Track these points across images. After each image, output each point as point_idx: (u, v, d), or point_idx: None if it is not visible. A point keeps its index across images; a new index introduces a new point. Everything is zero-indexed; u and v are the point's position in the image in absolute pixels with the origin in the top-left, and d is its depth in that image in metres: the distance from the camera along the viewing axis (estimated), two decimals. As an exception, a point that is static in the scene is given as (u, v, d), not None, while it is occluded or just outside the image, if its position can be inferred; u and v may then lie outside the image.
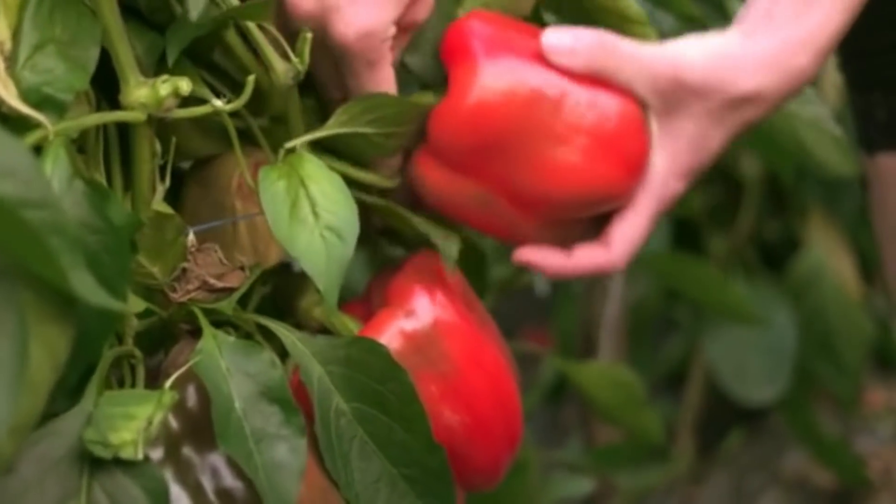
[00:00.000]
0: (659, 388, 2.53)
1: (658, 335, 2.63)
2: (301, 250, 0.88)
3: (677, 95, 0.98)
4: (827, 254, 2.35)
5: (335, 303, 0.88)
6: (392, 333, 0.95)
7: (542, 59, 0.97)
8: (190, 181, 0.98)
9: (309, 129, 0.95)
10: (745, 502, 2.42)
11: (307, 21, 0.92)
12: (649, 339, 2.58)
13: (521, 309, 2.70)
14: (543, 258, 1.02)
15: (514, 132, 0.96)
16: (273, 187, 0.89)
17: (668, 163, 1.00)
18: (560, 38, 0.98)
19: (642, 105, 0.99)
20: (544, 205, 0.99)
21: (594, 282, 2.19)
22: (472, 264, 1.10)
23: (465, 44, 0.97)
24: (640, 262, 1.99)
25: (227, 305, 0.92)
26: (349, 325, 0.96)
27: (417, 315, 0.96)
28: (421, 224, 1.00)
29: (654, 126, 1.00)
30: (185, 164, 0.99)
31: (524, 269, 1.78)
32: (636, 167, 0.99)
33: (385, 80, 0.96)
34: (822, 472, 2.44)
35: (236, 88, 0.91)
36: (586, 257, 1.02)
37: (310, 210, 0.89)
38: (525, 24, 1.01)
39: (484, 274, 1.18)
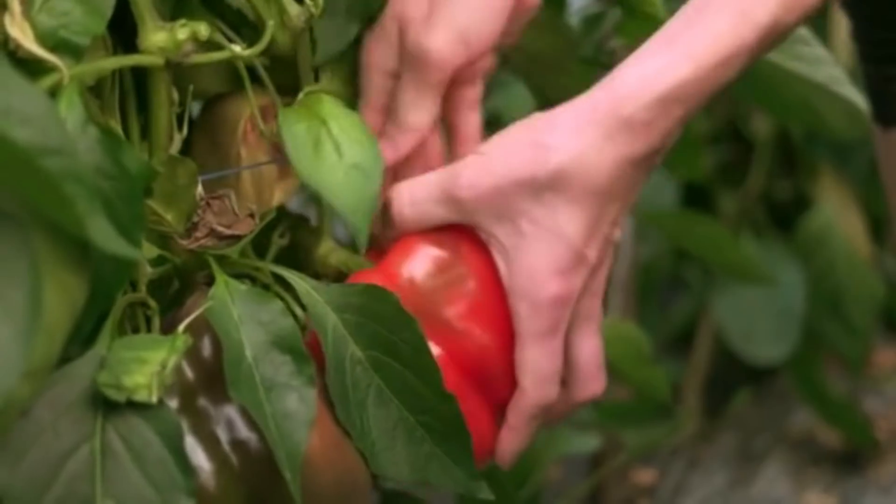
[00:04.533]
0: (667, 348, 2.54)
1: (667, 294, 2.64)
2: (329, 189, 0.88)
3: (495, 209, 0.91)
4: (837, 214, 2.35)
5: (366, 239, 0.88)
6: (420, 256, 0.94)
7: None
8: (198, 129, 0.97)
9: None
10: (751, 462, 2.42)
11: None
12: (658, 299, 2.58)
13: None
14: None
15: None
16: (294, 128, 0.89)
17: (527, 281, 0.91)
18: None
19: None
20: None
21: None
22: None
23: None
24: (649, 220, 1.99)
25: (236, 251, 0.92)
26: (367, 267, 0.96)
27: (441, 238, 0.94)
28: None
29: (498, 257, 0.93)
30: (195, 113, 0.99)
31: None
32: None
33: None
34: (829, 432, 2.44)
35: (240, 29, 0.91)
36: (512, 421, 0.96)
37: (333, 149, 0.89)
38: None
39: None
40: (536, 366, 0.93)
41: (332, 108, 0.91)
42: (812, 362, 2.36)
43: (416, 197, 0.93)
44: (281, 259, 0.97)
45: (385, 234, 0.95)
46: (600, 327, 0.96)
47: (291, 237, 0.99)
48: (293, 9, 0.90)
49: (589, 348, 0.96)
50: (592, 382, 0.96)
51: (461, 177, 0.92)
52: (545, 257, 0.91)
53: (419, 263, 0.94)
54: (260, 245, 0.96)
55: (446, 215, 0.93)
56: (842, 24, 2.20)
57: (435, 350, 0.91)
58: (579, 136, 0.89)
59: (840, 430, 2.40)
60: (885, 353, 2.66)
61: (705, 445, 2.47)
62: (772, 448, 2.46)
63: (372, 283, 0.92)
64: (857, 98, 1.40)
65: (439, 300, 0.93)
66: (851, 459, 2.42)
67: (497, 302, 0.94)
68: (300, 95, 0.92)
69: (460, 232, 0.94)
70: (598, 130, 0.89)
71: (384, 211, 0.94)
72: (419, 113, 0.96)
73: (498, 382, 0.95)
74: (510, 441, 0.96)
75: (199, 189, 0.91)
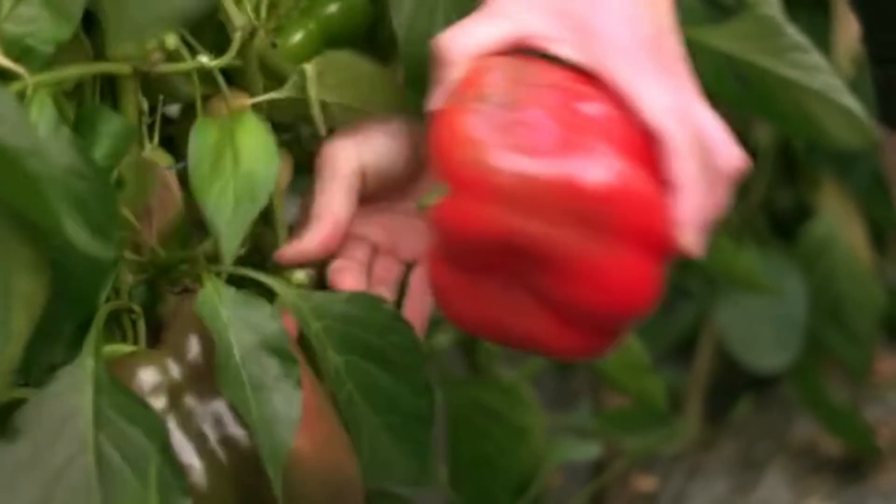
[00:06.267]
0: (669, 355, 2.54)
1: (669, 302, 2.63)
2: (210, 200, 0.88)
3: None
4: (838, 222, 2.35)
5: (231, 258, 0.89)
6: (491, 68, 0.89)
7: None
8: (184, 124, 0.97)
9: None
10: (752, 469, 2.42)
11: None
12: (660, 307, 2.58)
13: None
14: None
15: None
16: (203, 139, 0.90)
17: (615, 30, 0.88)
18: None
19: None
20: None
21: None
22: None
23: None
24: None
25: (199, 255, 0.93)
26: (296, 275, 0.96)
27: (502, 56, 0.90)
28: None
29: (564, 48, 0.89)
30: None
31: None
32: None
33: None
34: (830, 440, 2.44)
35: (200, 33, 0.92)
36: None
37: (231, 163, 0.90)
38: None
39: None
40: (662, 100, 0.88)
41: (247, 128, 0.91)
42: (813, 370, 2.36)
43: (461, 25, 0.91)
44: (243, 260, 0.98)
45: (444, 81, 0.90)
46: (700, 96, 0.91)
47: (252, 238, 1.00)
48: (238, 20, 0.91)
49: (706, 115, 0.90)
50: (729, 149, 0.90)
51: None
52: (607, 15, 0.89)
53: (495, 73, 0.89)
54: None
55: (496, 30, 0.90)
56: (843, 34, 2.20)
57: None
58: None
59: (841, 438, 2.40)
60: (886, 362, 2.66)
61: (706, 453, 2.47)
62: (773, 455, 2.46)
63: (444, 113, 0.88)
64: (856, 107, 1.40)
65: (535, 82, 0.88)
66: (853, 467, 2.42)
67: (588, 84, 0.88)
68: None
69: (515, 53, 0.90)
70: None
71: (434, 58, 0.91)
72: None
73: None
74: (687, 199, 0.88)
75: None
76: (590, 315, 0.88)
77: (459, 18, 0.92)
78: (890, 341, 2.65)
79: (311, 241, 0.95)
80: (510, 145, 0.86)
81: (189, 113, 0.98)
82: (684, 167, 0.88)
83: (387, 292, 0.98)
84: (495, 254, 0.87)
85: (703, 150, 0.89)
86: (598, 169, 0.85)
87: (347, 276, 0.96)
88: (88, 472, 0.79)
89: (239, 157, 0.90)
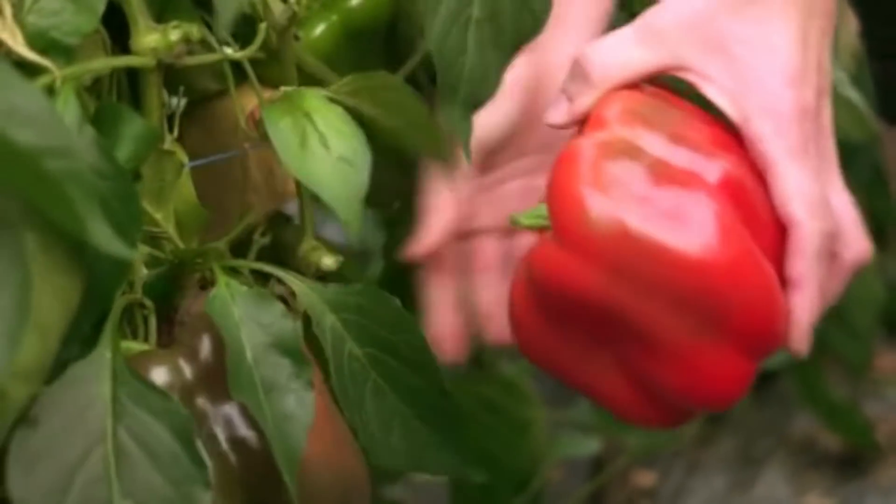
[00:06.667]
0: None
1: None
2: (318, 182, 0.87)
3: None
4: (839, 218, 2.34)
5: (358, 230, 0.87)
6: (632, 99, 0.86)
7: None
8: (189, 123, 0.97)
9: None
10: (752, 465, 2.42)
11: None
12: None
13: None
14: None
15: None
16: (279, 123, 0.89)
17: (763, 97, 0.82)
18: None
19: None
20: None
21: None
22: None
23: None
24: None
25: (216, 250, 0.92)
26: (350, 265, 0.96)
27: (645, 89, 0.86)
28: None
29: (715, 94, 0.84)
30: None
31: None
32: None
33: None
34: (830, 435, 2.44)
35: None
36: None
37: (319, 142, 0.88)
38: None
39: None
40: (801, 187, 0.82)
41: (315, 103, 0.90)
42: (813, 366, 2.36)
43: (610, 44, 0.86)
44: (263, 258, 0.97)
45: (577, 101, 0.87)
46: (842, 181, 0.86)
47: (273, 235, 1.00)
48: (277, 7, 0.90)
49: (841, 200, 0.86)
50: (858, 240, 0.87)
51: (660, 9, 0.85)
52: (771, 70, 0.83)
53: (630, 115, 0.84)
54: (241, 244, 0.96)
55: (648, 56, 0.85)
56: (845, 27, 2.20)
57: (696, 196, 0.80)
58: None
59: (841, 434, 2.40)
60: (886, 357, 2.66)
61: (706, 448, 2.47)
62: (772, 451, 2.46)
63: (571, 151, 0.83)
64: (858, 99, 1.40)
65: (669, 134, 0.83)
66: (852, 463, 2.42)
67: (726, 142, 0.84)
68: (281, 91, 0.92)
69: (660, 87, 0.86)
70: None
71: (574, 70, 0.87)
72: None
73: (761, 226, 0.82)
74: (803, 300, 0.83)
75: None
76: (673, 398, 0.85)
77: (492, 31, 0.90)
78: (889, 337, 2.65)
79: (429, 235, 0.95)
80: (628, 208, 0.81)
81: (195, 108, 0.97)
82: (809, 266, 0.83)
83: (494, 277, 0.96)
84: (587, 313, 0.84)
85: (831, 238, 0.84)
86: (716, 250, 0.80)
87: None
88: (106, 463, 0.79)
89: (325, 138, 0.89)
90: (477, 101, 0.91)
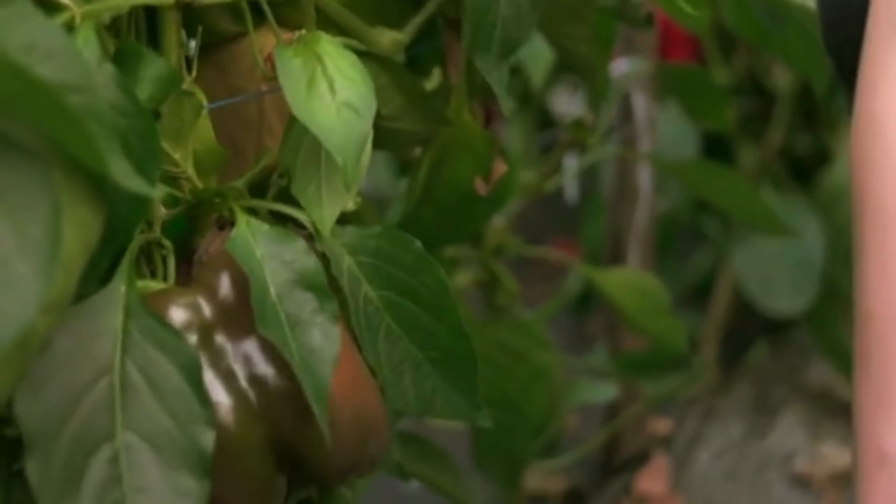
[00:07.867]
0: (685, 299, 2.54)
1: (686, 246, 2.64)
2: (320, 125, 0.88)
3: None
4: (857, 167, 2.34)
5: (356, 176, 0.88)
6: None
7: None
8: (203, 65, 0.97)
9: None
10: (767, 413, 2.43)
11: None
12: (677, 250, 2.58)
13: (549, 217, 2.71)
14: None
15: None
16: (289, 64, 0.89)
17: None
18: None
19: None
20: None
21: (623, 190, 2.19)
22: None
23: None
24: (669, 171, 1.99)
25: (234, 191, 0.93)
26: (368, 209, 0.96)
27: None
28: None
29: None
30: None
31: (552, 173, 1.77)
32: None
33: None
34: (845, 384, 2.45)
35: None
36: None
37: (327, 86, 0.89)
38: None
39: (511, 176, 1.18)
40: None
41: (328, 47, 0.91)
42: (830, 315, 2.36)
43: None
44: (280, 200, 0.98)
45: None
46: None
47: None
48: None
49: None
50: None
51: None
52: None
53: None
54: (258, 186, 0.97)
55: None
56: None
57: None
58: None
59: (856, 383, 2.40)
60: (903, 307, 2.65)
61: (721, 396, 2.47)
62: (788, 400, 2.47)
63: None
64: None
65: None
66: (867, 412, 2.42)
67: None
68: (297, 34, 0.92)
69: None
70: None
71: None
72: None
73: None
74: None
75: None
76: None
77: None
78: (906, 286, 2.65)
79: None
80: None
81: (211, 50, 0.97)
82: None
83: None
84: None
85: None
86: None
87: None
88: (111, 393, 0.80)
89: (333, 82, 0.89)
90: (511, 45, 0.91)
